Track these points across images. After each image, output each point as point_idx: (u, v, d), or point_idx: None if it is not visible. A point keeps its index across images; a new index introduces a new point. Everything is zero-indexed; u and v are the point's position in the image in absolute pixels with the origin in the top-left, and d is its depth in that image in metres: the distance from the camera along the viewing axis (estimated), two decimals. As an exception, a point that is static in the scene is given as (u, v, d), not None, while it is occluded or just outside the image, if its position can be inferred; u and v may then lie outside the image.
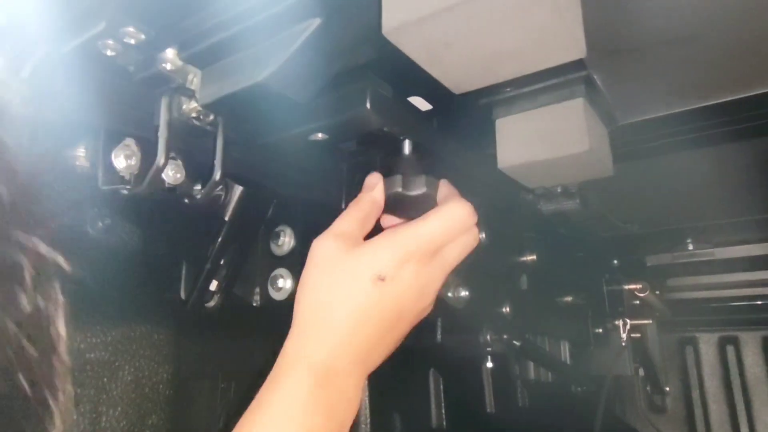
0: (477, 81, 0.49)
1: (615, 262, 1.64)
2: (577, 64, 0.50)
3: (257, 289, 0.80)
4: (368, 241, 0.53)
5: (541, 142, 0.64)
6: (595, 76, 0.62)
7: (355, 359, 0.50)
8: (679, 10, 0.52)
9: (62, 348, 0.41)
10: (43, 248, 0.45)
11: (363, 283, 0.50)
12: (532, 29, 0.39)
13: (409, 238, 0.52)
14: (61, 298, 0.46)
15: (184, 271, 0.75)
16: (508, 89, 0.62)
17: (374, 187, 0.58)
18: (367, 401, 1.01)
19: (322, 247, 0.54)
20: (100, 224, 0.65)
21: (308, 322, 0.52)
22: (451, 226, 0.55)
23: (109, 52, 0.54)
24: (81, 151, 0.59)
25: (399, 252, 0.51)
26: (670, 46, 0.58)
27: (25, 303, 0.41)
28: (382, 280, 0.50)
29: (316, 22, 0.48)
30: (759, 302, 1.81)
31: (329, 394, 0.48)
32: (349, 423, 0.49)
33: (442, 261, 0.56)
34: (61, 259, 0.53)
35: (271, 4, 0.48)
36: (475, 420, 1.24)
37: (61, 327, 0.41)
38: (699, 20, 0.53)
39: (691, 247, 1.54)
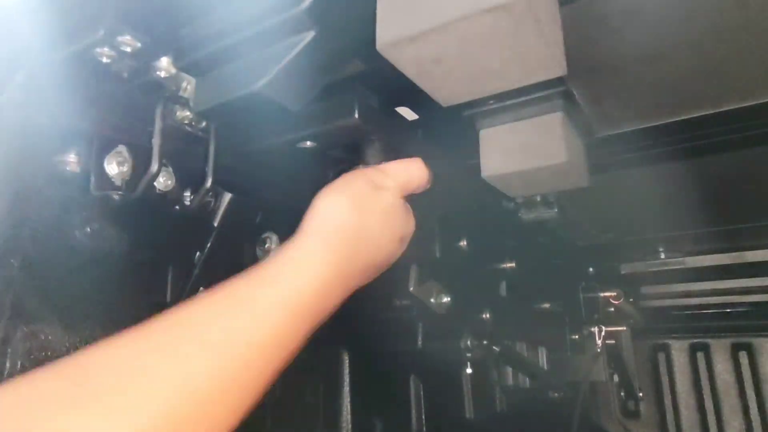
0: (464, 95, 0.51)
1: (591, 269, 1.68)
2: (557, 80, 0.53)
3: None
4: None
5: (522, 153, 0.67)
6: (574, 92, 0.65)
7: (363, 279, 0.57)
8: (652, 33, 0.55)
9: None
10: None
11: (400, 234, 0.60)
12: (517, 50, 0.41)
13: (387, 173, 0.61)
14: None
15: (170, 276, 0.76)
16: (492, 102, 0.65)
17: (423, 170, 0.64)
18: (349, 405, 1.02)
19: (372, 180, 0.59)
20: (88, 229, 0.66)
21: (347, 232, 0.55)
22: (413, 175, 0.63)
23: (105, 59, 0.55)
24: (72, 157, 0.60)
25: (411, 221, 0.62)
26: (643, 64, 0.61)
27: None
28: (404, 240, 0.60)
29: (310, 34, 0.50)
30: (728, 310, 1.87)
31: (335, 298, 0.52)
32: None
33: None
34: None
35: (267, 17, 0.49)
36: (454, 425, 1.25)
37: None
38: (669, 42, 0.56)
39: (663, 255, 1.59)
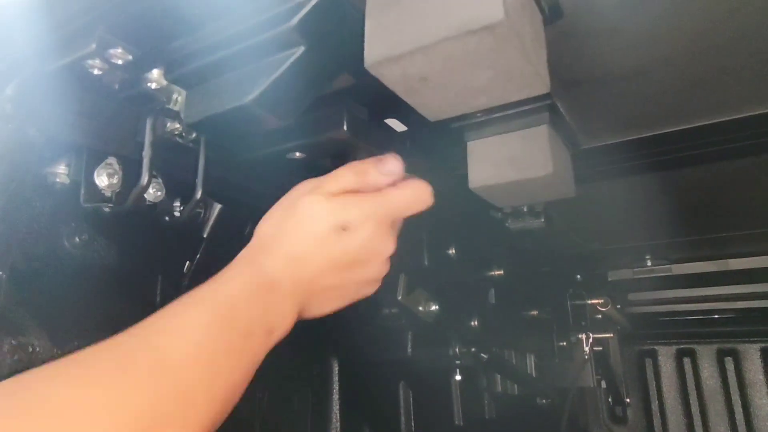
0: (450, 111, 0.52)
1: (578, 277, 1.69)
2: (543, 94, 0.54)
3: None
4: (342, 195, 0.56)
5: (509, 164, 0.68)
6: (559, 105, 0.67)
7: (298, 286, 0.54)
8: (634, 50, 0.56)
9: None
10: None
11: (326, 226, 0.54)
12: (501, 68, 0.42)
13: (378, 202, 0.56)
14: None
15: (159, 287, 0.76)
16: (479, 115, 0.66)
17: (381, 164, 0.59)
18: (339, 413, 1.02)
19: (302, 188, 0.58)
20: (77, 240, 0.66)
21: (265, 240, 0.56)
22: (414, 200, 0.59)
23: (95, 71, 0.55)
24: (61, 168, 0.60)
25: (366, 211, 0.55)
26: (626, 79, 0.63)
27: None
28: (344, 230, 0.54)
29: (300, 50, 0.50)
30: (714, 316, 1.89)
31: (267, 302, 0.51)
32: (267, 348, 0.51)
33: (395, 228, 0.61)
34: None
35: (258, 32, 0.50)
36: (443, 432, 1.26)
37: None
38: (651, 58, 0.58)
39: (649, 263, 1.61)
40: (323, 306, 0.58)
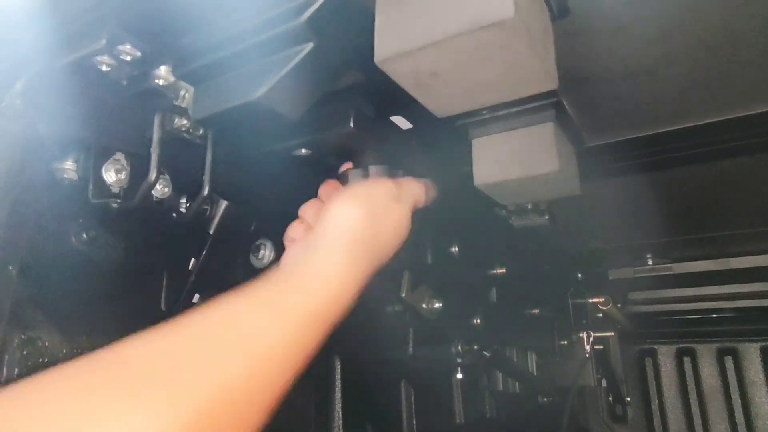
0: (459, 107, 0.52)
1: (579, 276, 1.70)
2: (549, 91, 0.54)
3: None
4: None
5: (515, 162, 0.68)
6: (565, 102, 0.67)
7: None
8: (640, 47, 0.57)
9: None
10: None
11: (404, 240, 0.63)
12: (511, 64, 0.43)
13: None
14: None
15: (165, 283, 0.76)
16: (485, 112, 0.66)
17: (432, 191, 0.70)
18: (341, 412, 1.03)
19: (389, 192, 0.63)
20: (85, 236, 0.66)
21: (366, 237, 0.58)
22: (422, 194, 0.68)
23: (104, 68, 0.55)
24: (69, 164, 0.60)
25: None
26: (632, 77, 0.63)
27: None
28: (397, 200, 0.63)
29: (309, 46, 0.51)
30: (714, 315, 1.89)
31: (353, 297, 0.53)
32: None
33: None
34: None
35: (267, 27, 0.50)
36: (445, 431, 1.26)
37: None
38: (657, 56, 0.58)
39: (650, 262, 1.61)
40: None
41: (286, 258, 0.66)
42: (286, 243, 0.68)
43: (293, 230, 0.67)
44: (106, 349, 0.38)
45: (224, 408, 0.37)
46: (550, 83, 0.47)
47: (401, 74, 0.46)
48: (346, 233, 0.56)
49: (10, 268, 0.54)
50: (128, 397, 0.34)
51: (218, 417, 0.36)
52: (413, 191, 0.67)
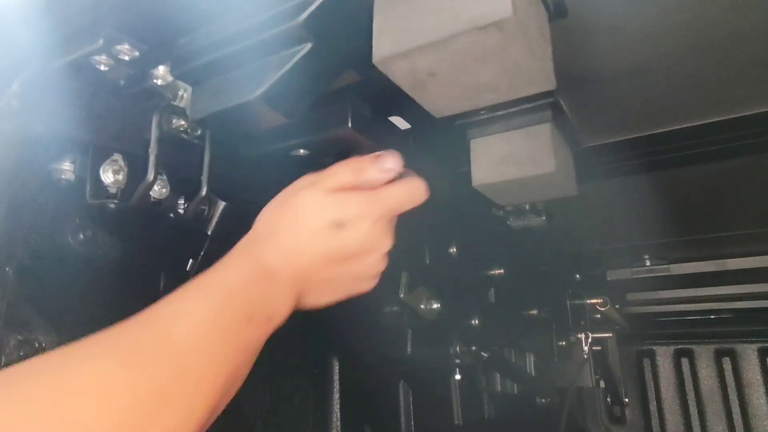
0: (456, 107, 0.53)
1: (577, 276, 1.70)
2: (546, 92, 0.54)
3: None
4: (340, 191, 0.57)
5: (512, 162, 0.68)
6: (562, 103, 0.67)
7: (294, 276, 0.55)
8: (637, 48, 0.57)
9: None
10: None
11: (322, 222, 0.55)
12: (508, 65, 0.43)
13: (374, 199, 0.57)
14: None
15: (162, 284, 0.76)
16: (483, 112, 0.67)
17: (379, 161, 0.59)
18: (339, 412, 1.03)
19: (301, 183, 0.59)
20: (82, 236, 0.66)
21: (264, 231, 0.57)
22: (409, 196, 0.60)
23: (102, 67, 0.55)
24: (67, 165, 0.60)
25: (362, 208, 0.56)
26: (629, 78, 0.63)
27: None
28: (341, 227, 0.55)
29: (307, 46, 0.51)
30: (712, 317, 1.90)
31: (265, 289, 0.52)
32: (266, 335, 0.52)
33: (393, 227, 0.61)
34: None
35: (265, 28, 0.50)
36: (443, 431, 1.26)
37: None
38: (654, 57, 0.58)
39: (648, 263, 1.61)
40: (320, 297, 0.59)
41: None
42: None
43: None
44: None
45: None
46: (548, 84, 0.47)
47: (399, 74, 0.46)
48: (251, 232, 0.58)
49: (7, 269, 0.54)
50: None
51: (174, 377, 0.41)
52: (389, 199, 0.58)
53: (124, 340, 0.44)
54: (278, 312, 0.53)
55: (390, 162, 0.58)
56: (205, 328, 0.46)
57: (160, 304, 0.48)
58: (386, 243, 0.58)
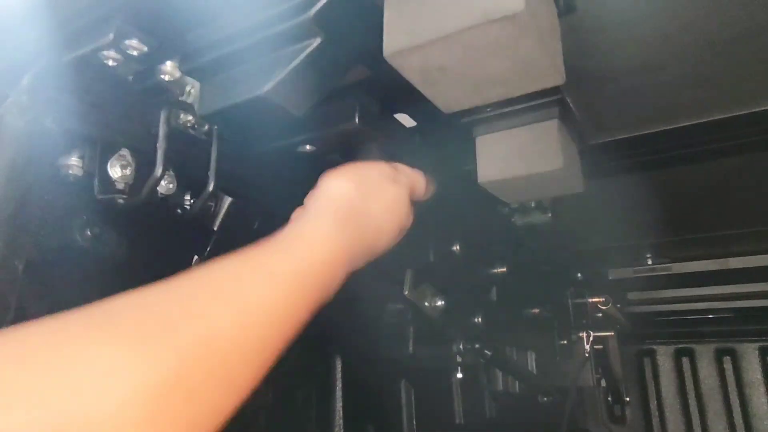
0: (466, 102, 0.53)
1: (579, 275, 1.70)
2: (553, 89, 0.55)
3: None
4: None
5: (519, 159, 0.68)
6: (569, 100, 0.67)
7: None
8: (645, 44, 0.57)
9: None
10: None
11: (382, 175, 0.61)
12: (519, 59, 0.43)
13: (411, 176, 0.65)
14: None
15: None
16: (489, 109, 0.67)
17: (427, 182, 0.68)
18: (341, 410, 1.03)
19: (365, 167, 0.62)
20: (89, 231, 0.66)
21: (355, 216, 0.58)
22: (420, 186, 0.67)
23: (111, 62, 0.55)
24: (75, 160, 0.60)
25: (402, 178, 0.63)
26: (635, 74, 0.63)
27: None
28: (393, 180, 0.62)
29: (317, 41, 0.51)
30: (712, 316, 1.90)
31: (338, 277, 0.52)
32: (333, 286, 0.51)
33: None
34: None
35: (275, 23, 0.50)
36: (444, 431, 1.26)
37: None
38: (662, 53, 0.58)
39: (650, 261, 1.61)
40: (369, 252, 0.60)
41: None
42: None
43: (296, 213, 0.67)
44: (98, 303, 0.38)
45: (207, 360, 0.36)
46: (558, 78, 0.47)
47: (409, 68, 0.46)
48: (334, 202, 0.56)
49: (16, 263, 0.54)
50: (107, 342, 0.34)
51: (200, 368, 0.36)
52: (410, 176, 0.66)
53: (154, 315, 0.38)
54: (339, 283, 0.53)
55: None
56: (288, 296, 0.44)
57: (206, 275, 0.43)
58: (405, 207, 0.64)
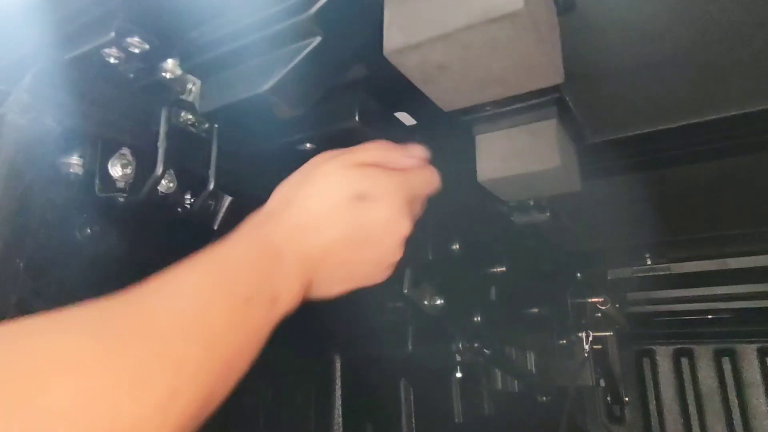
0: (465, 100, 0.53)
1: (578, 275, 1.70)
2: (552, 88, 0.55)
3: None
4: (364, 166, 0.53)
5: (517, 158, 0.69)
6: (567, 99, 0.68)
7: (305, 257, 0.50)
8: (644, 43, 0.57)
9: None
10: None
11: (342, 194, 0.51)
12: (518, 57, 0.43)
13: (401, 177, 0.54)
14: None
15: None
16: (488, 108, 0.67)
17: (407, 148, 0.58)
18: (340, 409, 1.03)
19: (322, 157, 0.55)
20: (90, 230, 0.66)
21: (276, 207, 0.53)
22: (429, 182, 0.59)
23: (112, 60, 0.55)
24: (75, 159, 0.60)
25: (387, 184, 0.52)
26: (634, 73, 0.64)
27: None
28: (362, 200, 0.51)
29: (317, 40, 0.51)
30: (712, 317, 1.90)
31: (270, 269, 0.47)
32: (271, 319, 0.47)
33: (413, 210, 0.57)
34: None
35: (275, 21, 0.51)
36: (443, 430, 1.26)
37: None
38: (661, 52, 0.59)
39: (649, 262, 1.62)
40: (332, 285, 0.54)
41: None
42: None
43: None
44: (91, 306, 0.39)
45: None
46: (557, 77, 0.47)
47: (409, 66, 0.46)
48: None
49: (18, 261, 0.55)
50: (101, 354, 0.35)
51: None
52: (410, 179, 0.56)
53: (101, 314, 0.39)
54: (283, 295, 0.48)
55: (418, 150, 0.57)
56: (194, 306, 0.42)
57: (153, 279, 0.43)
58: (406, 226, 0.54)
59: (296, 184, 0.53)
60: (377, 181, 0.52)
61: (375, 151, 0.54)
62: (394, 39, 0.45)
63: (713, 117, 0.71)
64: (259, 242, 0.49)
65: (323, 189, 0.51)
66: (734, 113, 0.71)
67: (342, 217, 0.50)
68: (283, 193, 0.54)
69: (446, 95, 0.52)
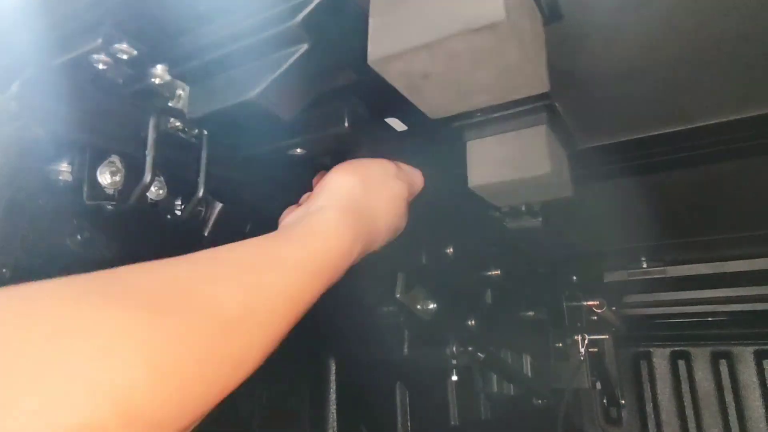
0: (451, 108, 0.53)
1: (574, 278, 1.70)
2: (542, 94, 0.55)
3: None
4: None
5: (508, 164, 0.69)
6: (558, 105, 0.68)
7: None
8: (631, 50, 0.57)
9: None
10: None
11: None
12: (501, 67, 0.43)
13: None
14: None
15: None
16: (479, 115, 0.67)
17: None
18: (335, 412, 1.03)
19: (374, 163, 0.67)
20: (79, 237, 0.66)
21: (363, 211, 0.61)
22: (419, 183, 0.74)
23: (101, 66, 0.55)
24: (64, 166, 0.60)
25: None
26: (623, 80, 0.64)
27: None
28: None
29: (304, 47, 0.51)
30: (708, 319, 1.90)
31: (347, 263, 0.55)
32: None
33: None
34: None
35: (263, 28, 0.51)
36: (439, 433, 1.26)
37: None
38: (648, 59, 0.59)
39: (645, 265, 1.62)
40: (370, 248, 0.63)
41: (283, 221, 0.66)
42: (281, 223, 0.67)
43: (288, 211, 0.69)
44: (110, 271, 0.40)
45: (211, 334, 0.37)
46: (541, 87, 0.47)
47: (394, 75, 0.46)
48: (342, 196, 0.60)
49: (4, 270, 0.54)
50: (114, 306, 0.35)
51: (204, 341, 0.37)
52: (410, 175, 0.71)
53: (167, 287, 0.38)
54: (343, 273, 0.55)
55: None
56: (299, 286, 0.46)
57: (260, 249, 0.49)
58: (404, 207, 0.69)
59: (370, 192, 0.65)
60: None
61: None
62: (377, 47, 0.45)
63: (703, 123, 0.71)
64: (358, 242, 0.58)
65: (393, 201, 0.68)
66: (726, 119, 0.71)
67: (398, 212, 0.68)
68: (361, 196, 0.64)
69: (432, 103, 0.52)
